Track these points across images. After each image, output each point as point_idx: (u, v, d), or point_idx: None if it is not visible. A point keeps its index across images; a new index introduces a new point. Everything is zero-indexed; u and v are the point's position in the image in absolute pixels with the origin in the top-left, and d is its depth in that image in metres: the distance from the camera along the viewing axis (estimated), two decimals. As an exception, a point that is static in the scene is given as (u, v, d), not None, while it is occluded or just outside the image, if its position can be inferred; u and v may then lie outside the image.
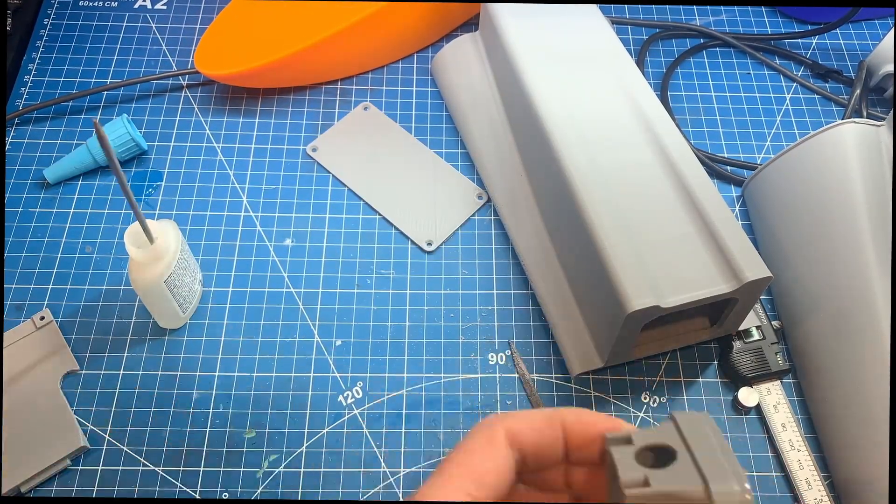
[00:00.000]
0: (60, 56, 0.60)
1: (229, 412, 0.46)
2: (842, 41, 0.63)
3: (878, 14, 0.64)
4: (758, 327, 0.48)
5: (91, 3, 0.63)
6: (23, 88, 0.58)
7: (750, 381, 0.47)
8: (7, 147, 0.56)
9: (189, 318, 0.49)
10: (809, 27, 0.63)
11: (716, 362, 0.48)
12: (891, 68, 0.56)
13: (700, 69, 0.61)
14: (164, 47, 0.61)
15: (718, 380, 0.48)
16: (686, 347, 0.48)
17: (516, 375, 0.48)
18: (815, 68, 0.61)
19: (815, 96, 0.59)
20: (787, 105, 0.59)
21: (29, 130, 0.56)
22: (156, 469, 0.44)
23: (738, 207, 0.54)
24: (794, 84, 0.60)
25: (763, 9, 0.64)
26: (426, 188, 0.54)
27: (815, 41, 0.62)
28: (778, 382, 0.47)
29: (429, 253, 0.52)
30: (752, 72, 0.61)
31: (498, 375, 0.48)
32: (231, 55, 0.55)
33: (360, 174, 0.55)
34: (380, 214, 0.53)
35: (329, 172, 0.55)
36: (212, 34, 0.57)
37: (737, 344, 0.47)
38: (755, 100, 0.59)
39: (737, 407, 0.47)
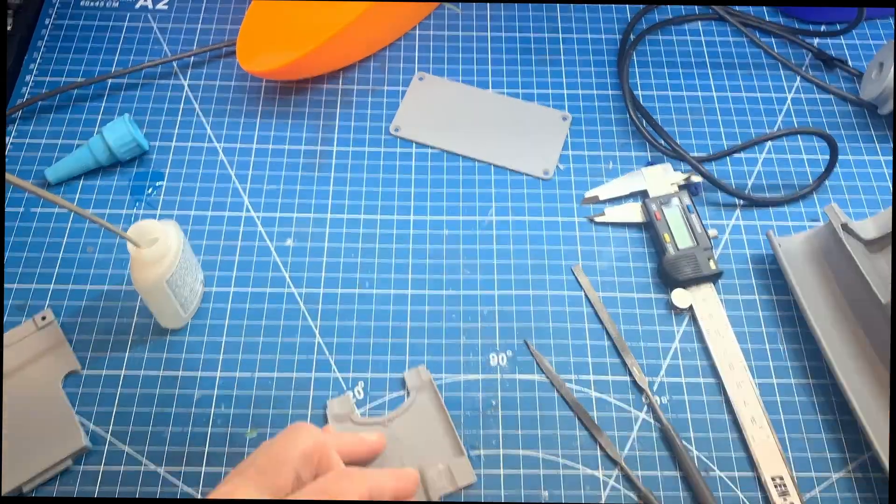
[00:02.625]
0: (62, 56, 0.60)
1: (231, 412, 0.46)
2: (843, 41, 0.63)
3: (878, 14, 0.64)
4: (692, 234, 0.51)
5: (92, 3, 0.63)
6: (24, 88, 0.58)
7: (684, 285, 0.50)
8: (8, 147, 0.56)
9: (190, 318, 0.49)
10: (811, 27, 0.63)
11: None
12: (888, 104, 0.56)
13: (699, 57, 0.61)
14: (165, 47, 0.61)
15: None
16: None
17: (516, 377, 0.48)
18: (819, 55, 0.61)
19: (818, 96, 0.59)
20: (789, 104, 0.59)
21: (30, 130, 0.56)
22: (157, 469, 0.44)
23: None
24: (797, 76, 0.60)
25: (765, 9, 0.64)
26: (515, 127, 0.58)
27: (816, 41, 0.62)
28: (712, 289, 0.50)
29: (545, 181, 0.55)
30: (750, 66, 0.61)
31: (499, 377, 0.48)
32: (271, 50, 0.56)
33: (450, 136, 0.57)
34: (489, 163, 0.56)
35: (412, 148, 0.56)
36: (245, 33, 0.57)
37: (670, 250, 0.50)
38: (756, 99, 0.59)
39: (671, 309, 0.50)
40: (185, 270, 0.46)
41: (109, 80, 0.59)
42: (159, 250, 0.43)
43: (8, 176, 0.35)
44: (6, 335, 0.48)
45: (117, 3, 0.63)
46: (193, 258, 0.48)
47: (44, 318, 0.48)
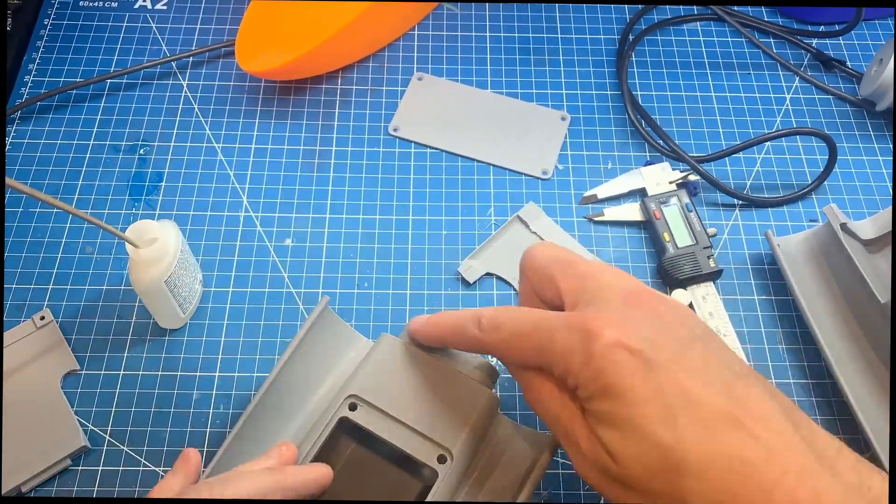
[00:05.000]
0: (61, 56, 0.60)
1: (230, 412, 0.46)
2: (841, 41, 0.63)
3: (877, 14, 0.64)
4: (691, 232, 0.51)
5: (91, 4, 0.63)
6: (23, 89, 0.58)
7: (683, 284, 0.50)
8: (7, 148, 0.56)
9: (189, 318, 0.49)
10: (810, 28, 0.63)
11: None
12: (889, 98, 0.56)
13: (698, 57, 0.61)
14: (164, 48, 0.61)
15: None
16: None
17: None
18: (818, 56, 0.61)
19: (816, 96, 0.59)
20: (788, 104, 0.59)
21: (29, 131, 0.56)
22: (156, 469, 0.44)
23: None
24: (795, 76, 0.60)
25: (763, 9, 0.64)
26: (513, 127, 0.58)
27: (815, 42, 0.62)
28: (713, 287, 0.50)
29: (544, 181, 0.56)
30: (749, 66, 0.61)
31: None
32: (270, 50, 0.56)
33: (448, 136, 0.57)
34: (488, 163, 0.56)
35: (412, 148, 0.57)
36: (244, 33, 0.57)
37: (670, 249, 0.50)
38: (754, 100, 0.59)
39: None
40: (184, 270, 0.46)
41: (108, 81, 0.59)
42: (158, 250, 0.43)
43: (8, 180, 0.35)
44: (5, 335, 0.47)
45: (116, 4, 0.64)
46: (192, 258, 0.48)
47: (42, 318, 0.48)
